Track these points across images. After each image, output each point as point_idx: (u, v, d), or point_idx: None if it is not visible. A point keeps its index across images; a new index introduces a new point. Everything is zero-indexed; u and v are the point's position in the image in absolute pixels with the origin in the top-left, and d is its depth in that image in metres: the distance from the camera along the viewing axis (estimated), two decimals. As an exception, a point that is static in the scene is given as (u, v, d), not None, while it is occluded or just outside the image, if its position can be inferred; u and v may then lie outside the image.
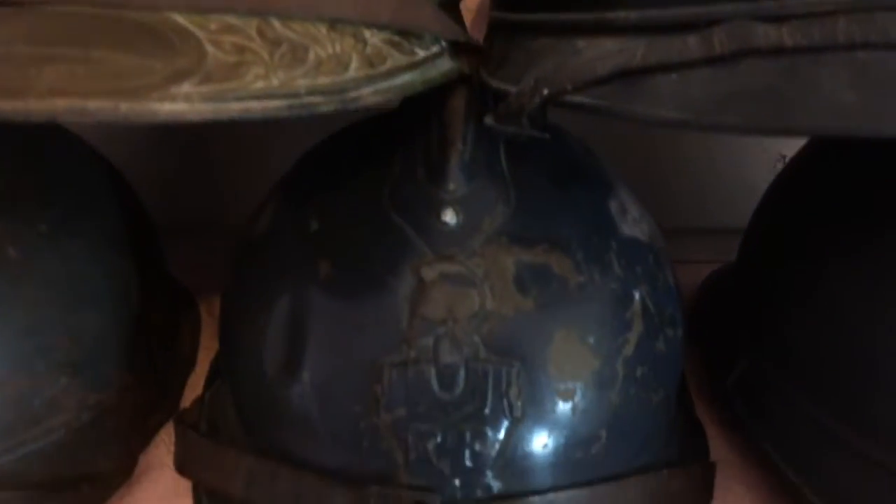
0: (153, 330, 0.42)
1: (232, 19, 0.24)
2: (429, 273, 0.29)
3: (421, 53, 0.29)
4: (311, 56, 0.25)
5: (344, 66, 0.25)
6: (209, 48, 0.23)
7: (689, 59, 0.26)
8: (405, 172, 0.32)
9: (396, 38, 0.28)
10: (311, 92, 0.24)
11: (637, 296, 0.32)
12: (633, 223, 0.34)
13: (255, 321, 0.33)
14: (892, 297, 0.32)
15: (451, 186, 0.31)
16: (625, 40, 0.28)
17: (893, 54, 0.25)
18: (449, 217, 0.30)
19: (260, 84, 0.23)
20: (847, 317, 0.33)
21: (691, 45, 0.26)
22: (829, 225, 0.36)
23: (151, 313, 0.42)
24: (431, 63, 0.30)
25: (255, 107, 0.22)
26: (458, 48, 0.32)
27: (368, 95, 0.26)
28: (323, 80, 0.24)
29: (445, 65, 0.31)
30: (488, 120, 0.31)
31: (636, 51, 0.27)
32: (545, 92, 0.28)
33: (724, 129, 0.25)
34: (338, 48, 0.26)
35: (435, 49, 0.30)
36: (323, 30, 0.26)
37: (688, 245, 0.49)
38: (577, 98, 0.28)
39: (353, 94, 0.25)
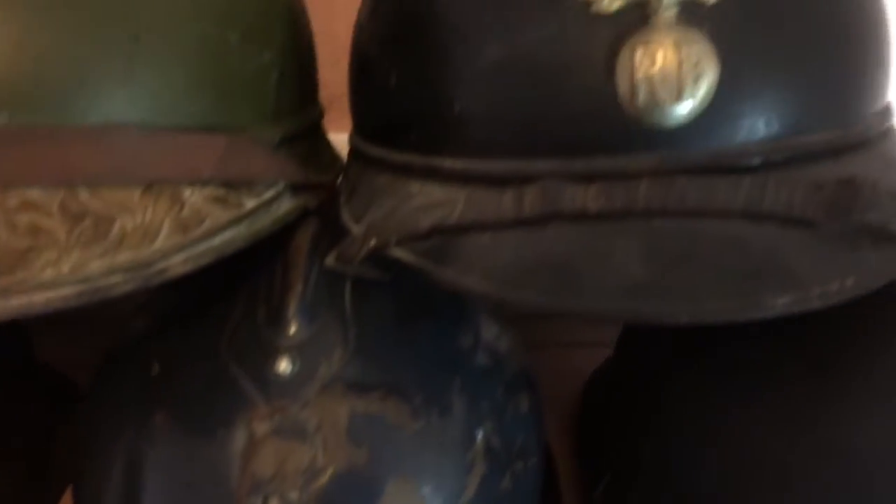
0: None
1: (35, 193, 0.24)
2: (260, 427, 0.29)
3: (249, 204, 0.29)
4: (116, 229, 0.24)
5: (152, 237, 0.25)
6: (1, 233, 0.22)
7: (501, 220, 0.27)
8: (246, 315, 0.31)
9: (221, 192, 0.28)
10: (109, 272, 0.23)
11: (480, 435, 0.32)
12: (487, 349, 0.35)
13: (96, 461, 0.32)
14: (722, 411, 0.32)
15: (290, 332, 0.30)
16: (451, 189, 0.29)
17: (688, 223, 0.25)
18: (284, 366, 0.30)
19: (49, 272, 0.22)
20: (685, 436, 0.33)
21: (505, 203, 0.27)
22: (670, 338, 0.36)
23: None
24: (265, 209, 0.30)
25: (39, 299, 0.22)
26: (302, 184, 0.32)
27: (178, 265, 0.25)
28: (123, 258, 0.24)
29: (284, 206, 0.31)
30: (330, 260, 0.31)
31: (456, 206, 0.28)
32: (372, 243, 0.28)
33: (524, 305, 0.25)
34: (148, 216, 0.25)
35: (270, 193, 0.30)
36: (136, 195, 0.26)
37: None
38: (399, 252, 0.28)
39: (159, 265, 0.25)
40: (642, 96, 0.26)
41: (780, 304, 0.23)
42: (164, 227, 0.25)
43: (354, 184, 0.34)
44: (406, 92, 0.30)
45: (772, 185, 0.26)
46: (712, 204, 0.26)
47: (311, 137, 0.35)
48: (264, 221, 0.29)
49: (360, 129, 0.34)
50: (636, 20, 0.26)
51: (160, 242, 0.25)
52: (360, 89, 0.33)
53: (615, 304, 0.24)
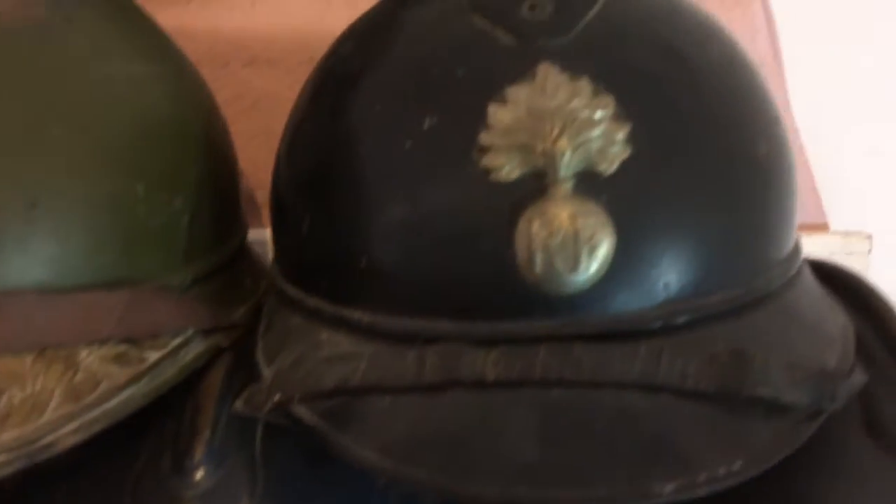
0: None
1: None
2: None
3: (152, 357, 0.29)
4: (3, 403, 0.24)
5: (40, 409, 0.25)
6: None
7: (402, 383, 0.27)
8: (151, 462, 0.31)
9: (122, 349, 0.28)
10: (-9, 453, 0.23)
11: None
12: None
13: None
14: None
15: (196, 479, 0.30)
16: (358, 342, 0.29)
17: (584, 394, 0.26)
18: (188, 517, 0.29)
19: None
20: None
21: (408, 365, 0.27)
22: None
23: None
24: (170, 360, 0.30)
25: None
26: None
27: (68, 436, 0.25)
28: (8, 436, 0.24)
29: (193, 352, 0.31)
30: (238, 406, 0.30)
31: (360, 363, 0.28)
32: (276, 397, 0.28)
33: (417, 484, 0.25)
34: (38, 385, 0.25)
35: (177, 341, 0.30)
36: (28, 362, 0.25)
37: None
38: (301, 411, 0.28)
39: (46, 440, 0.24)
40: (540, 265, 0.26)
41: (667, 490, 0.23)
42: (55, 397, 0.25)
43: (271, 318, 0.33)
44: (317, 240, 0.30)
45: (667, 356, 0.26)
46: (608, 374, 0.26)
47: (230, 269, 0.35)
48: (168, 373, 0.29)
49: (279, 265, 0.34)
50: (534, 190, 0.26)
51: (49, 414, 0.25)
52: (277, 227, 0.34)
53: (507, 490, 0.24)
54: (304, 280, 0.32)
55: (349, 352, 0.29)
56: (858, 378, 0.27)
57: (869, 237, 0.58)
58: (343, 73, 0.31)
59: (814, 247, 0.59)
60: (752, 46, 0.55)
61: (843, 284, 0.36)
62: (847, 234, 0.58)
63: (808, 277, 0.34)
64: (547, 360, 0.26)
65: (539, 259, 0.26)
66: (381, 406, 0.27)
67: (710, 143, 0.28)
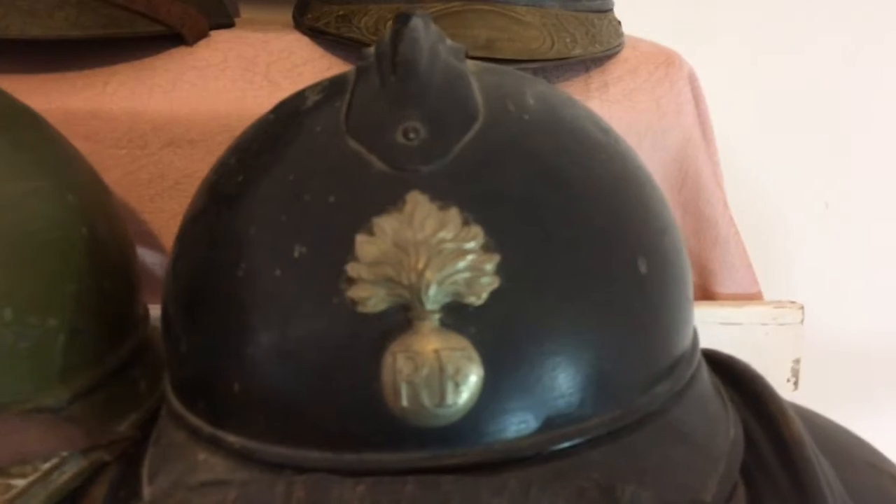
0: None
1: None
2: None
3: (20, 484, 0.28)
4: None
5: None
6: None
7: (268, 519, 0.26)
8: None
9: (-15, 480, 0.27)
10: None
11: None
12: None
13: None
14: None
15: None
16: (232, 467, 0.28)
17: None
18: None
19: None
20: None
21: (276, 496, 0.26)
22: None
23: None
24: (41, 483, 0.29)
25: None
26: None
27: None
28: None
29: (68, 472, 0.30)
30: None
31: (229, 494, 0.27)
32: (146, 531, 0.28)
33: None
34: None
35: (49, 464, 0.29)
36: None
37: None
38: None
39: None
40: (405, 399, 0.26)
41: None
42: None
43: (160, 430, 0.33)
44: (194, 361, 0.30)
45: (535, 489, 0.26)
46: None
47: (120, 376, 0.34)
48: (40, 497, 0.28)
49: (169, 374, 0.33)
50: (400, 323, 0.26)
51: None
52: (164, 337, 0.33)
53: None
54: (186, 396, 0.31)
55: (224, 476, 0.28)
56: (733, 507, 0.27)
57: (801, 308, 0.58)
58: (223, 191, 0.31)
59: (746, 317, 0.59)
60: (677, 120, 0.56)
61: (737, 380, 0.35)
62: (780, 304, 0.58)
63: (701, 382, 0.33)
64: (414, 494, 0.25)
65: (404, 393, 0.26)
66: None
67: (583, 269, 0.28)
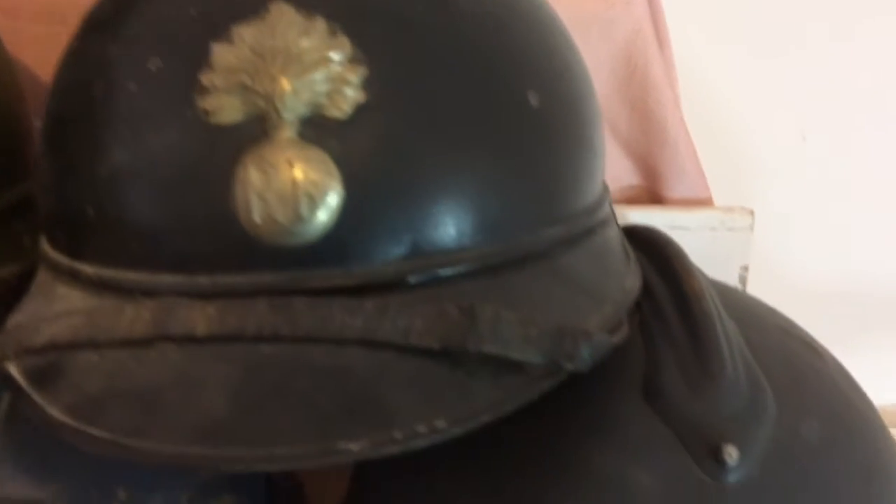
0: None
1: None
2: None
3: None
4: None
5: None
6: None
7: (113, 338, 0.25)
8: None
9: None
10: None
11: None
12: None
13: None
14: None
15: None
16: (88, 297, 0.27)
17: (298, 350, 0.24)
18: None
19: None
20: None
21: (123, 320, 0.25)
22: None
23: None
24: None
25: None
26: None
27: None
28: None
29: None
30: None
31: (77, 319, 0.26)
32: (-7, 355, 0.27)
33: (92, 444, 0.23)
34: None
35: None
36: None
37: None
38: (12, 368, 0.26)
39: None
40: (258, 215, 0.24)
41: (355, 448, 0.22)
42: None
43: (35, 276, 0.32)
44: (53, 189, 0.29)
45: (392, 311, 0.24)
46: (327, 329, 0.24)
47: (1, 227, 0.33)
48: None
49: (40, 217, 0.32)
50: (256, 134, 0.24)
51: None
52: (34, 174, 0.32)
53: (183, 449, 0.22)
54: (49, 232, 0.30)
55: (79, 307, 0.27)
56: (605, 339, 0.26)
57: (751, 213, 0.56)
58: (92, 16, 0.29)
59: (694, 221, 0.58)
60: (626, 10, 0.54)
61: (651, 247, 0.34)
62: (729, 209, 0.57)
63: (604, 238, 0.32)
64: (263, 315, 0.24)
65: (256, 207, 0.24)
66: (86, 363, 0.25)
67: (461, 91, 0.26)
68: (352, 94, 0.25)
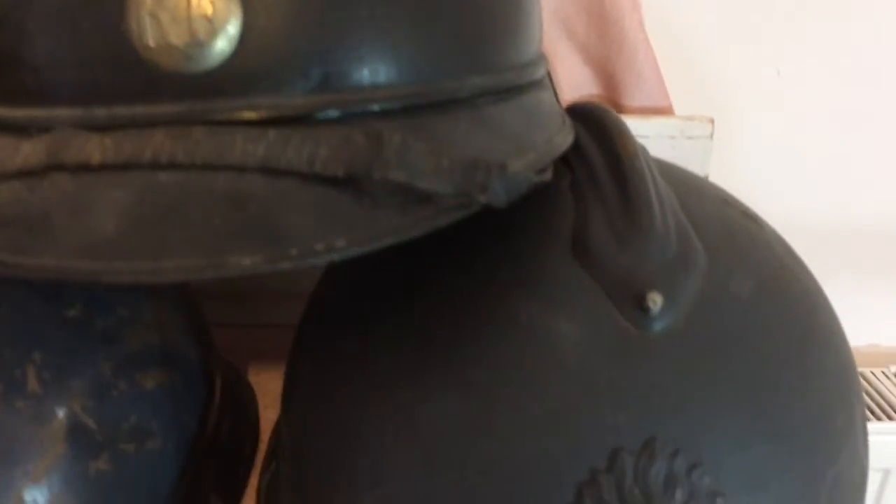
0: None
1: None
2: None
3: None
4: None
5: None
6: None
7: (7, 172, 0.24)
8: None
9: None
10: None
11: (62, 413, 0.29)
12: (89, 323, 0.31)
13: None
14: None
15: None
16: None
17: (195, 177, 0.23)
18: None
19: None
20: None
21: (19, 154, 0.24)
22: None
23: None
24: None
25: None
26: None
27: None
28: None
29: None
30: None
31: None
32: None
33: None
34: None
35: None
36: None
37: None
38: None
39: None
40: (151, 38, 0.23)
41: (246, 262, 0.21)
42: None
43: None
44: None
45: (296, 139, 0.23)
46: (225, 157, 0.23)
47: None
48: None
49: None
50: (147, -52, 0.23)
51: None
52: None
53: (66, 263, 0.21)
54: None
55: None
56: (522, 175, 0.25)
57: (711, 121, 0.55)
58: None
59: (653, 129, 0.57)
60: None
61: (589, 117, 0.33)
62: (689, 118, 0.56)
63: (535, 99, 0.31)
64: (161, 143, 0.23)
65: (149, 28, 0.23)
66: None
67: None
68: None
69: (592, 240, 0.28)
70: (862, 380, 0.87)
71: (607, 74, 0.56)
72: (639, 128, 0.55)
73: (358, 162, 0.23)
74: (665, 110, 0.57)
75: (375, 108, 0.25)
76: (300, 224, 0.22)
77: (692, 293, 0.27)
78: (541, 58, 0.33)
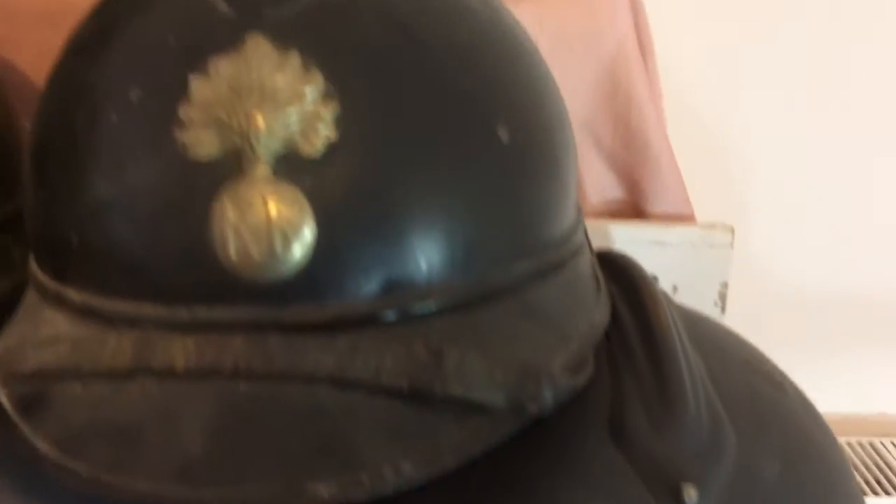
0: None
1: None
2: None
3: None
4: None
5: None
6: None
7: (96, 369, 0.25)
8: None
9: None
10: None
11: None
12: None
13: None
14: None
15: None
16: (73, 324, 0.28)
17: (271, 388, 0.25)
18: None
19: None
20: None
21: (106, 350, 0.26)
22: None
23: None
24: None
25: None
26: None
27: None
28: None
29: None
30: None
31: (63, 347, 0.26)
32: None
33: (76, 479, 0.24)
34: None
35: None
36: None
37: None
38: (1, 394, 0.26)
39: None
40: (234, 250, 0.25)
41: (323, 491, 0.23)
42: None
43: (25, 295, 0.32)
44: (39, 213, 0.29)
45: (364, 350, 0.25)
46: (299, 367, 0.25)
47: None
48: None
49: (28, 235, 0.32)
50: (232, 170, 0.25)
51: None
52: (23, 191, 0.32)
53: (158, 488, 0.23)
54: (35, 253, 0.30)
55: (61, 333, 0.27)
56: (568, 381, 0.26)
57: (731, 230, 0.57)
58: (77, 38, 0.30)
59: (675, 237, 0.59)
60: (612, 27, 0.54)
61: (622, 276, 0.35)
62: (710, 225, 0.57)
63: (574, 269, 0.32)
64: (240, 351, 0.25)
65: (232, 243, 0.25)
66: (71, 393, 0.26)
67: (431, 128, 0.27)
68: (324, 131, 0.25)
69: (629, 423, 0.29)
70: (871, 450, 0.87)
71: (632, 181, 0.58)
72: (661, 235, 0.57)
73: (420, 376, 0.25)
74: (687, 217, 0.59)
75: (432, 306, 0.27)
76: (370, 445, 0.24)
77: (724, 481, 0.29)
78: (578, 217, 0.34)
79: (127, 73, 0.26)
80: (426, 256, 0.27)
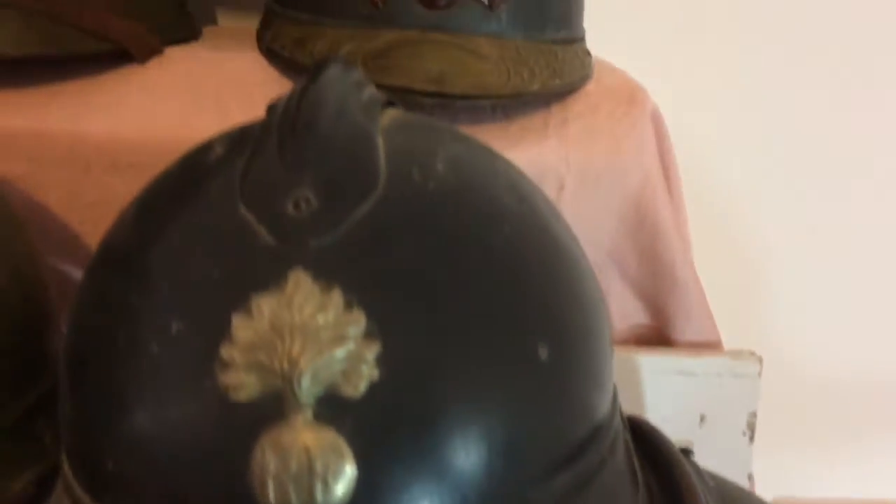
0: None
1: None
2: None
3: None
4: None
5: None
6: None
7: None
8: None
9: None
10: None
11: None
12: None
13: None
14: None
15: None
16: None
17: None
18: None
19: None
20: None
21: None
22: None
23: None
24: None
25: None
26: None
27: None
28: None
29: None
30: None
31: None
32: None
33: None
34: None
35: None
36: None
37: None
38: None
39: None
40: (273, 495, 0.24)
41: None
42: None
43: (57, 491, 0.32)
44: (76, 427, 0.29)
45: None
46: None
47: (23, 426, 0.33)
48: None
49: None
50: (272, 414, 0.24)
51: None
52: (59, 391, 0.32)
53: None
54: (71, 461, 0.30)
55: None
56: None
57: (759, 359, 0.56)
58: (115, 249, 0.30)
59: (702, 367, 0.58)
60: (638, 161, 0.54)
61: (652, 451, 0.34)
62: (737, 354, 0.57)
63: (612, 467, 0.32)
64: None
65: (272, 489, 0.24)
66: None
67: (472, 360, 0.26)
68: (366, 372, 0.25)
69: None
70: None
71: (658, 309, 0.57)
72: (688, 365, 0.57)
73: None
74: (714, 344, 0.58)
75: None
76: None
77: None
78: (614, 404, 0.34)
79: (170, 303, 0.26)
80: (468, 486, 0.26)
